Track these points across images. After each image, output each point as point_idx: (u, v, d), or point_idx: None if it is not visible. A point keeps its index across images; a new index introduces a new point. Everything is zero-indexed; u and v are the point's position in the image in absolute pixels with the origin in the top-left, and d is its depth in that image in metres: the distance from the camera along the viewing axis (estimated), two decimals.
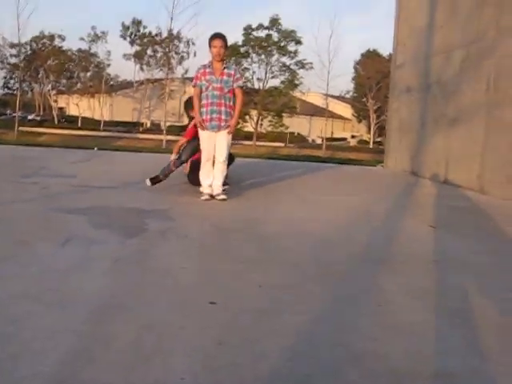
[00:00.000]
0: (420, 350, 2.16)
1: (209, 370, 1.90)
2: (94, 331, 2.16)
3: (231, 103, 5.62)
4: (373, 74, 55.49)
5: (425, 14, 10.57)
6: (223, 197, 5.58)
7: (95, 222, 4.25)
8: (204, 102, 5.57)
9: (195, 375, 1.86)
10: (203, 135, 5.62)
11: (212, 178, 5.63)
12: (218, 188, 5.64)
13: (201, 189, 5.71)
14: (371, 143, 58.18)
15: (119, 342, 2.06)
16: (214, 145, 5.60)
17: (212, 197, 5.59)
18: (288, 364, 1.98)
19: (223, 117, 5.55)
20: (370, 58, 58.13)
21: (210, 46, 5.54)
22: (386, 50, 54.77)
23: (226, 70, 5.54)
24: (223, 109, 5.55)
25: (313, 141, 61.42)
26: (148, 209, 5.00)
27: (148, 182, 6.00)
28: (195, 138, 5.91)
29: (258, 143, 37.59)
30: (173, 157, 6.22)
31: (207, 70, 5.54)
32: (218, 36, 5.52)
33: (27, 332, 2.10)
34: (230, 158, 6.03)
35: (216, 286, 2.84)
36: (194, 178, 6.08)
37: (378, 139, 59.35)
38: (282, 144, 48.93)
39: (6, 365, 1.84)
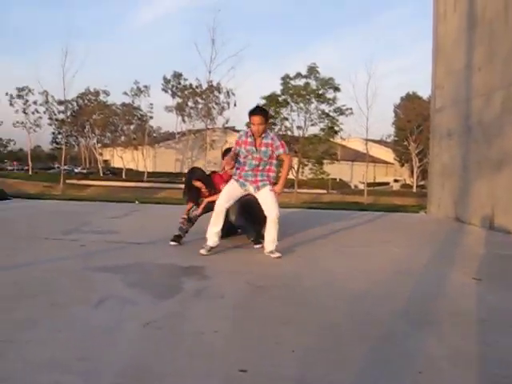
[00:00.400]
0: None
1: None
2: None
3: (271, 167, 5.59)
4: (413, 116, 55.34)
5: (462, 56, 10.48)
6: (278, 255, 5.43)
7: (130, 280, 4.22)
8: (241, 166, 5.57)
9: None
10: (230, 184, 5.62)
11: (220, 226, 5.52)
12: (271, 244, 5.49)
13: (207, 236, 5.56)
14: (414, 187, 57.47)
15: None
16: (232, 198, 5.57)
17: (212, 248, 5.49)
18: None
19: (259, 178, 5.53)
20: (410, 100, 58.10)
21: (249, 119, 5.47)
22: (425, 91, 54.60)
23: (264, 141, 5.47)
24: (259, 173, 5.54)
25: (355, 186, 61.13)
26: (184, 265, 4.96)
27: (172, 243, 6.00)
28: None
29: (299, 190, 37.57)
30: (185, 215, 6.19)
31: (248, 140, 5.48)
32: (256, 113, 5.41)
33: None
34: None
35: (248, 351, 2.73)
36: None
37: (421, 182, 58.60)
38: (324, 191, 48.83)
39: None
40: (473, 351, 2.81)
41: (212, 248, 5.49)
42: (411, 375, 2.48)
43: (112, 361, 2.52)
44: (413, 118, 54.99)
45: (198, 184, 6.07)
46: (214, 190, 6.09)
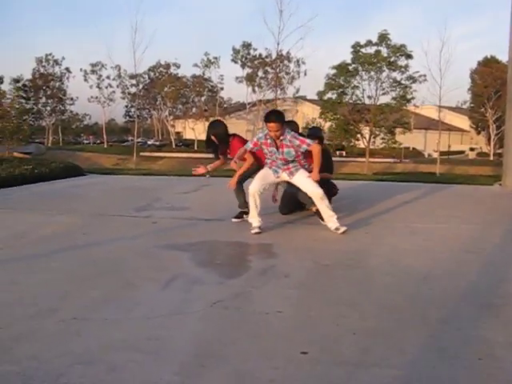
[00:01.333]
0: None
1: None
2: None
3: (300, 160, 5.60)
4: (491, 82, 52.86)
5: None
6: (343, 229, 5.48)
7: (199, 259, 4.40)
8: (269, 161, 5.64)
9: None
10: (263, 170, 5.71)
11: (258, 209, 5.58)
12: (331, 222, 5.53)
13: (250, 220, 5.65)
14: (491, 155, 55.24)
15: None
16: (265, 183, 5.64)
17: (260, 228, 5.52)
18: None
19: (291, 165, 5.56)
20: (488, 65, 55.38)
21: (265, 124, 5.42)
22: (504, 55, 51.96)
23: (284, 143, 5.43)
24: (290, 164, 5.57)
25: (429, 155, 59.43)
26: (252, 243, 5.10)
27: (234, 220, 6.16)
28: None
29: (371, 160, 36.95)
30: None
31: (269, 142, 5.47)
32: (272, 120, 5.32)
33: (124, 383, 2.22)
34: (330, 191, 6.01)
35: (310, 332, 2.83)
36: (283, 207, 6.33)
37: (499, 151, 56.24)
38: (397, 160, 47.79)
39: None
40: None
41: (260, 227, 5.54)
42: (470, 361, 2.50)
43: (180, 341, 2.69)
44: (490, 84, 52.54)
45: (213, 138, 6.20)
46: (228, 149, 6.21)
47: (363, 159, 35.52)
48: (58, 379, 2.26)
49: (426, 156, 59.70)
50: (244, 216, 6.10)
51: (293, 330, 2.87)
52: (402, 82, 32.17)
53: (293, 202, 6.41)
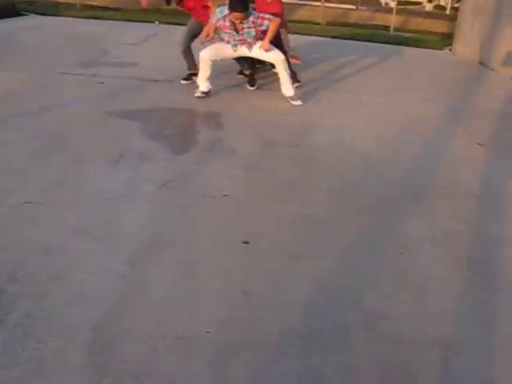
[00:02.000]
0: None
1: (234, 323, 2.15)
2: (135, 274, 2.43)
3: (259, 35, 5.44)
4: None
5: None
6: (298, 103, 5.57)
7: (148, 130, 4.45)
8: (226, 37, 5.46)
9: (220, 329, 2.11)
10: (221, 42, 5.54)
11: (210, 72, 5.54)
12: (289, 89, 5.58)
13: (198, 82, 5.62)
14: (448, 9, 54.44)
15: (155, 289, 2.33)
16: (218, 55, 5.54)
17: (206, 93, 5.54)
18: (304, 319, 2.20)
19: (249, 40, 5.42)
20: None
21: (229, 10, 5.17)
22: None
23: (245, 25, 5.26)
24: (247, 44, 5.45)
25: (386, 4, 57.96)
26: (200, 111, 5.13)
27: (183, 81, 6.08)
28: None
29: (327, 4, 35.78)
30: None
31: (227, 24, 5.27)
32: (239, 10, 5.11)
33: (79, 274, 2.39)
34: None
35: (252, 219, 3.03)
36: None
37: (456, 5, 55.32)
38: (353, 6, 46.51)
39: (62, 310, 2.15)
40: (455, 232, 3.09)
41: (205, 92, 5.54)
42: (393, 255, 2.79)
43: (129, 226, 2.85)
44: None
45: None
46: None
47: (318, 3, 34.31)
48: (21, 268, 2.40)
49: (383, 4, 58.22)
50: (193, 78, 6.04)
51: (236, 216, 3.07)
52: None
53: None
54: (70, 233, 2.74)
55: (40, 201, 3.09)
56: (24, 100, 5.12)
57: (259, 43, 5.42)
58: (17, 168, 3.53)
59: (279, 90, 5.67)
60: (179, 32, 6.28)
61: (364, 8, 48.26)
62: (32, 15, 11.79)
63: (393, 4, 44.66)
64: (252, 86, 6.04)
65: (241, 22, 5.24)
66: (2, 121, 4.48)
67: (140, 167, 3.65)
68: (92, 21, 12.07)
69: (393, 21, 26.99)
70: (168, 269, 2.49)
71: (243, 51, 5.54)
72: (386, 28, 28.42)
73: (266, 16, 5.33)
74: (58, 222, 2.85)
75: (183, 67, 6.14)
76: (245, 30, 5.31)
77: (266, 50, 5.40)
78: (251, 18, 5.28)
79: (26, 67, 6.43)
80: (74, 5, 21.41)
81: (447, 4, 59.74)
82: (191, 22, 6.07)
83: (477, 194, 3.68)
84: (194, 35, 6.02)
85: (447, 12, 55.63)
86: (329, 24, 17.74)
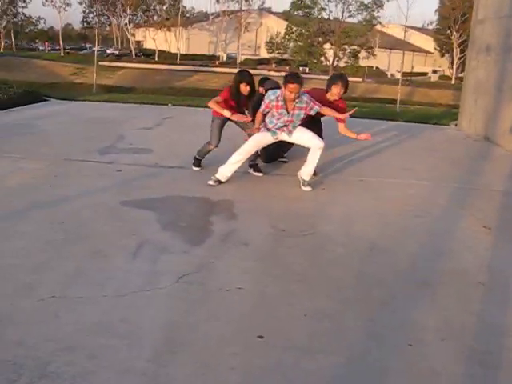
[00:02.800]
0: None
1: None
2: (156, 372, 2.56)
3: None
4: (459, 3, 52.43)
5: None
6: (308, 189, 5.81)
7: (165, 220, 4.66)
8: (272, 124, 5.69)
9: None
10: (261, 133, 5.74)
11: (237, 166, 5.76)
12: (306, 176, 5.82)
13: (221, 171, 5.77)
14: (453, 79, 55.77)
15: None
16: (260, 146, 5.91)
17: (220, 183, 5.73)
18: None
19: (290, 127, 5.69)
20: None
21: (285, 84, 5.43)
22: None
23: (297, 105, 5.54)
24: (291, 128, 5.71)
25: (392, 75, 59.52)
26: (214, 199, 5.36)
27: (194, 168, 6.39)
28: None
29: None
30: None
31: (280, 104, 5.52)
32: (296, 81, 5.38)
33: (104, 373, 2.53)
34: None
35: (266, 313, 3.18)
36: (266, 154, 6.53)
37: (461, 75, 56.72)
38: (359, 79, 47.90)
39: None
40: (460, 322, 3.20)
41: (219, 181, 5.76)
42: (401, 347, 2.90)
43: (150, 324, 2.99)
44: (458, 6, 52.13)
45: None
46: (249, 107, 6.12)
47: (326, 76, 35.51)
48: (46, 368, 2.54)
49: (389, 76, 59.80)
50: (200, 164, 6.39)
51: (251, 311, 3.21)
52: (369, 5, 31.84)
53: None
54: (92, 329, 2.88)
55: (61, 295, 3.26)
56: (41, 190, 5.39)
57: (299, 129, 5.71)
58: (36, 261, 3.70)
59: (287, 174, 5.93)
60: (192, 114, 6.57)
61: (370, 80, 49.73)
62: (53, 100, 12.37)
63: (398, 75, 46.02)
64: (259, 171, 6.30)
65: (293, 100, 5.50)
66: (19, 212, 4.71)
67: (158, 260, 3.83)
68: (108, 104, 12.68)
69: (399, 94, 27.73)
70: (187, 366, 2.62)
71: (283, 137, 5.81)
72: (393, 101, 29.20)
73: (317, 102, 5.67)
74: (80, 317, 3.00)
75: (196, 149, 6.44)
76: (296, 110, 5.57)
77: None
78: (305, 98, 5.60)
79: (45, 156, 6.78)
80: (90, 86, 22.31)
81: (452, 74, 61.11)
82: (217, 119, 6.21)
83: (483, 281, 3.79)
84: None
85: (452, 82, 56.96)
86: None
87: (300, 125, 5.75)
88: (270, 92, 5.70)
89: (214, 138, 6.24)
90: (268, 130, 5.73)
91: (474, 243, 4.56)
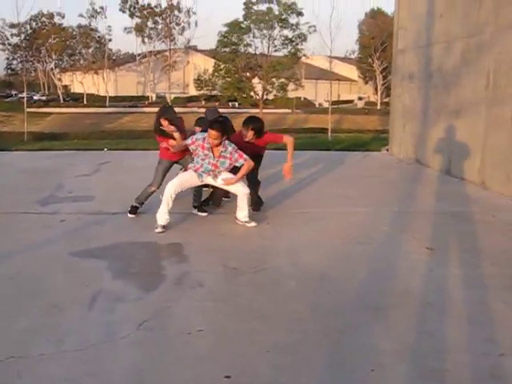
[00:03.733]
0: None
1: None
2: None
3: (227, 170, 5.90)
4: (377, 33, 54.80)
5: (425, 0, 10.61)
6: (253, 224, 5.93)
7: (115, 268, 4.63)
8: (197, 166, 5.80)
9: None
10: (188, 173, 5.91)
11: (169, 207, 5.74)
12: (243, 218, 5.94)
13: (158, 216, 5.77)
14: (378, 104, 57.90)
15: None
16: (185, 186, 5.90)
17: (165, 228, 5.74)
18: None
19: (216, 172, 5.82)
20: (375, 17, 57.29)
21: (209, 129, 5.62)
22: (390, 8, 53.92)
23: (222, 154, 5.71)
24: (216, 171, 5.83)
25: (320, 104, 61.19)
26: (162, 243, 5.37)
27: (130, 215, 6.35)
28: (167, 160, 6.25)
29: (264, 111, 37.68)
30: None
31: (205, 146, 5.66)
32: (215, 128, 5.57)
33: None
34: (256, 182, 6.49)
35: (230, 352, 3.21)
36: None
37: (386, 99, 58.99)
38: (289, 110, 48.92)
39: None
40: (415, 343, 3.35)
41: (164, 226, 5.75)
42: (364, 374, 3.00)
43: (116, 375, 2.96)
44: (377, 35, 54.47)
45: (164, 123, 6.10)
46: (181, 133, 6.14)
47: (256, 110, 36.14)
48: None
49: (317, 105, 61.44)
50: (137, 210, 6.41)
51: (215, 351, 3.23)
52: (293, 40, 32.83)
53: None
54: None
55: (20, 354, 3.18)
56: None
57: (225, 174, 5.81)
58: None
59: (231, 212, 6.03)
60: (127, 157, 6.54)
61: (299, 111, 50.80)
62: None
63: (326, 104, 47.28)
64: (204, 211, 6.38)
65: (217, 146, 5.61)
66: None
67: (114, 309, 3.80)
68: (42, 153, 12.44)
69: (330, 123, 28.51)
70: None
71: (209, 181, 5.91)
72: (323, 130, 29.92)
73: (245, 156, 5.76)
74: (45, 376, 2.94)
75: (136, 194, 6.45)
76: (221, 158, 5.70)
77: (229, 184, 5.83)
78: (230, 148, 5.70)
79: None
80: (19, 134, 21.80)
81: (377, 100, 63.16)
82: (165, 162, 6.32)
83: (431, 301, 3.98)
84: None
85: (378, 107, 58.93)
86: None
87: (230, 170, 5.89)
88: (199, 134, 5.90)
89: (157, 179, 6.28)
90: (195, 171, 5.83)
91: (418, 265, 4.76)
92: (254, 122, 6.27)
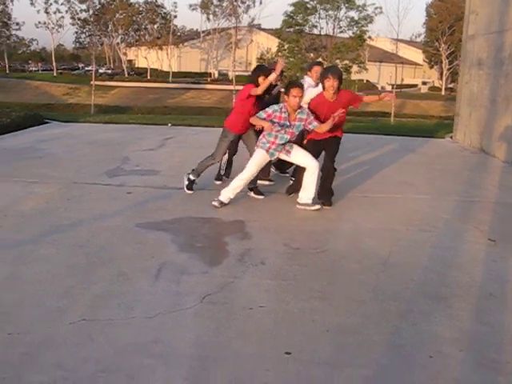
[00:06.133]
0: None
1: None
2: None
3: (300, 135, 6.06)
4: (446, 16, 53.23)
5: None
6: (316, 207, 5.91)
7: (180, 242, 4.79)
8: (272, 139, 5.79)
9: None
10: (260, 154, 5.88)
11: (239, 190, 5.95)
12: (306, 199, 5.94)
13: (225, 193, 5.92)
14: (443, 90, 56.43)
15: None
16: (261, 166, 6.00)
17: (224, 205, 5.89)
18: None
19: (287, 147, 5.90)
20: (444, 0, 55.53)
21: (287, 92, 5.63)
22: None
23: (298, 116, 5.72)
24: (286, 145, 5.89)
25: (382, 88, 60.13)
26: (226, 220, 5.50)
27: (188, 191, 6.46)
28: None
29: None
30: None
31: (283, 116, 5.67)
32: (297, 85, 5.63)
33: None
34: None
35: (290, 330, 3.31)
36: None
37: (450, 85, 57.41)
38: None
39: None
40: (476, 333, 3.35)
41: (223, 203, 5.89)
42: (423, 359, 3.03)
43: (181, 343, 3.11)
44: (445, 19, 52.93)
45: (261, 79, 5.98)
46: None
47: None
48: None
49: (380, 88, 60.37)
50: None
51: (275, 327, 3.34)
52: (359, 21, 32.29)
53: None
54: (127, 350, 3.01)
55: (92, 318, 3.37)
56: (56, 215, 5.51)
57: (296, 149, 5.91)
58: (63, 286, 3.82)
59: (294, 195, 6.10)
60: (189, 134, 6.65)
61: (361, 93, 49.97)
62: (54, 123, 12.51)
63: (389, 88, 46.65)
64: (261, 194, 6.41)
65: (296, 110, 5.69)
66: (38, 237, 4.83)
67: (180, 281, 3.95)
68: (109, 126, 12.79)
69: (393, 108, 27.94)
70: (222, 383, 2.74)
71: (282, 157, 6.00)
72: (386, 114, 29.44)
73: (317, 120, 5.82)
74: (114, 339, 3.12)
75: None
76: (296, 121, 5.74)
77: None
78: (306, 110, 5.81)
79: (56, 179, 6.91)
80: (85, 106, 22.50)
81: (441, 85, 61.69)
82: (231, 135, 6.30)
83: (494, 292, 3.95)
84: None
85: (442, 93, 57.52)
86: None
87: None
88: (271, 107, 5.82)
89: (220, 151, 6.34)
90: (267, 151, 5.87)
91: (481, 255, 4.72)
92: (333, 70, 5.99)
